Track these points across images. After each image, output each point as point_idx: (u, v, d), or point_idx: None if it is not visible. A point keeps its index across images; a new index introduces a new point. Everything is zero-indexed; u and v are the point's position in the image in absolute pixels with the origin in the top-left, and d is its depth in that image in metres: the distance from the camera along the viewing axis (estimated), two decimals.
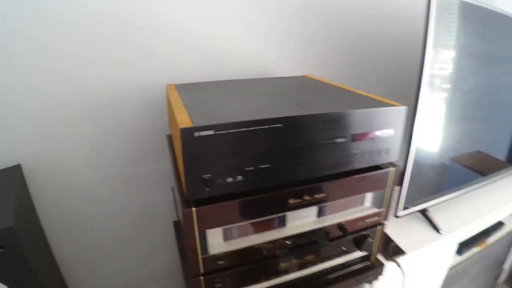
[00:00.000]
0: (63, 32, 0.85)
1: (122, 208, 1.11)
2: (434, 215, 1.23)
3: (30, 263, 0.75)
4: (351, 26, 1.25)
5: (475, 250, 1.49)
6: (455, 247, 1.28)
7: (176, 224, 1.14)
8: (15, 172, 0.90)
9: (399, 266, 1.03)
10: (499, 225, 1.59)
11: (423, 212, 1.22)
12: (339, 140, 0.66)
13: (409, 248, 1.09)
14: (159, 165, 1.10)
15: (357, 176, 0.72)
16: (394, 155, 0.74)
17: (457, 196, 1.31)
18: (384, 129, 0.70)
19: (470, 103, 1.23)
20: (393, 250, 1.06)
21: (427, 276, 1.26)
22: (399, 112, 0.71)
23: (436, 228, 1.18)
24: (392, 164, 0.77)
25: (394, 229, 1.17)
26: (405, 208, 1.11)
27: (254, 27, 1.08)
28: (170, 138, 0.92)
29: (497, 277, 1.92)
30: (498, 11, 1.18)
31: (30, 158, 0.93)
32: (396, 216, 1.10)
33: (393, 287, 1.08)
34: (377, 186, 0.77)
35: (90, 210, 1.07)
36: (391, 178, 0.77)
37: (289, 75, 1.14)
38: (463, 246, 1.39)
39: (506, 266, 1.91)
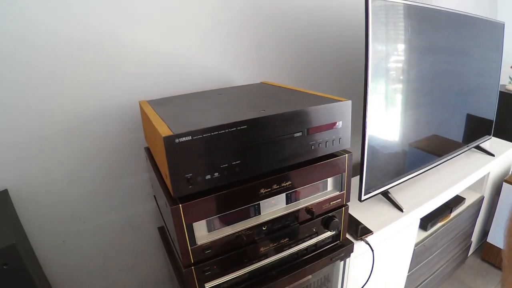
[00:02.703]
0: (41, 55, 0.95)
1: (106, 221, 1.21)
2: (396, 196, 1.41)
3: (35, 279, 0.82)
4: (300, 30, 1.41)
5: (439, 224, 1.67)
6: (418, 223, 1.46)
7: (162, 230, 1.26)
8: (4, 195, 0.98)
9: (368, 244, 1.18)
10: (459, 200, 1.78)
11: (385, 194, 1.39)
12: (296, 134, 0.81)
13: (375, 228, 1.25)
14: (138, 177, 1.20)
15: (315, 164, 0.87)
16: (345, 143, 0.91)
17: (415, 177, 1.50)
18: (334, 121, 0.86)
19: (421, 92, 1.43)
20: (361, 231, 1.22)
21: (396, 252, 1.43)
22: (345, 106, 0.87)
23: (398, 207, 1.36)
24: (345, 151, 0.93)
25: (360, 212, 1.33)
26: (368, 192, 1.28)
27: (212, 43, 1.22)
28: (148, 150, 1.05)
29: (467, 249, 2.11)
30: (432, 7, 1.37)
31: (13, 180, 1.01)
32: (361, 200, 1.26)
33: (364, 264, 1.23)
34: (335, 171, 0.92)
35: (73, 226, 1.15)
36: (346, 163, 0.93)
37: (249, 83, 1.28)
38: (427, 222, 1.58)
39: (473, 239, 2.11)
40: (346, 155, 0.92)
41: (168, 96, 1.09)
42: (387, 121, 1.32)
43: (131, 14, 1.05)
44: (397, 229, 1.31)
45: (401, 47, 1.28)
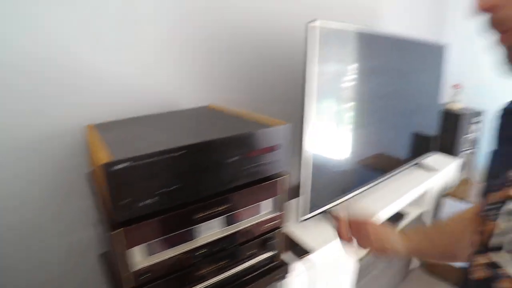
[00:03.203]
0: None
1: (47, 249, 1.15)
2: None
3: None
4: (249, 54, 1.44)
5: None
6: None
7: (104, 255, 1.24)
8: None
9: (306, 264, 1.22)
10: (401, 215, 1.86)
11: (326, 212, 1.43)
12: (234, 158, 0.83)
13: (318, 246, 1.29)
14: (82, 202, 1.16)
15: (253, 186, 0.90)
16: (283, 165, 0.94)
17: (359, 194, 1.55)
18: (272, 145, 0.89)
19: (364, 113, 1.49)
20: (300, 251, 1.25)
21: (340, 268, 1.47)
22: (284, 129, 0.90)
23: None
24: (283, 173, 0.95)
25: (304, 231, 1.37)
26: (310, 211, 1.31)
27: (162, 66, 1.22)
28: (91, 175, 1.03)
29: (409, 263, 2.20)
30: (374, 31, 1.44)
31: None
32: (301, 221, 1.30)
33: (306, 283, 1.26)
34: (272, 193, 0.95)
35: (13, 255, 1.10)
36: (283, 185, 0.96)
37: (197, 105, 1.29)
38: None
39: None
40: (283, 177, 0.95)
41: (116, 120, 1.09)
42: (330, 142, 1.37)
43: (78, 37, 1.04)
44: (339, 246, 1.35)
45: (343, 70, 1.34)
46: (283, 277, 1.10)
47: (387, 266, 1.88)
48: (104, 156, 0.68)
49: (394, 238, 0.93)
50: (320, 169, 1.32)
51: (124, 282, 0.77)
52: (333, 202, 1.42)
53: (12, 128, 0.99)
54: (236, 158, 0.83)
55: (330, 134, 1.36)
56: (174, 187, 0.76)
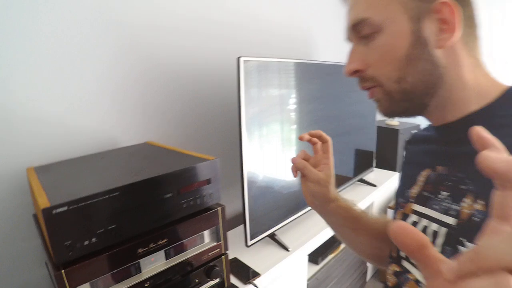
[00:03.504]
0: None
1: None
2: (284, 236, 1.54)
3: None
4: (183, 91, 1.51)
5: (330, 256, 1.83)
6: (306, 259, 1.59)
7: None
8: None
9: (256, 286, 1.28)
10: None
11: (272, 236, 1.52)
12: (167, 195, 0.90)
13: (265, 269, 1.36)
14: (30, 243, 1.18)
15: (189, 220, 0.97)
16: (217, 198, 1.01)
17: (302, 215, 1.64)
18: (203, 179, 0.97)
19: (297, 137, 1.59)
20: (250, 274, 1.32)
21: None
22: (213, 163, 0.98)
23: (284, 247, 1.48)
24: (218, 204, 1.03)
25: (250, 256, 1.43)
26: (254, 237, 1.39)
27: (99, 106, 1.28)
28: (36, 217, 1.06)
29: (364, 274, 2.30)
30: (305, 61, 1.56)
31: None
32: (247, 246, 1.37)
33: None
34: (209, 224, 1.02)
35: None
36: (219, 215, 1.03)
37: (135, 143, 1.35)
38: (317, 256, 1.73)
39: (369, 264, 2.31)
40: (219, 208, 1.02)
41: (55, 162, 1.12)
42: (269, 169, 1.46)
43: (13, 79, 1.08)
44: (285, 267, 1.43)
45: (277, 98, 1.44)
46: None
47: (340, 280, 1.97)
48: (42, 201, 0.73)
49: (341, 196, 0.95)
50: (261, 196, 1.41)
51: None
52: (276, 225, 1.50)
53: None
54: (170, 194, 0.90)
55: (268, 160, 1.45)
56: (111, 227, 0.82)
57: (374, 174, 2.38)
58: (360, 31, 0.67)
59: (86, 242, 0.78)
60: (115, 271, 0.86)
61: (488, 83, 0.67)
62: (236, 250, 1.45)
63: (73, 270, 0.78)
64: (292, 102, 1.55)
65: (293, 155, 1.61)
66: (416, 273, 0.73)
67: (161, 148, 1.21)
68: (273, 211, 1.52)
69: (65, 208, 0.73)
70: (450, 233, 0.64)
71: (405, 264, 0.78)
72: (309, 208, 1.72)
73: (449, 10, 0.59)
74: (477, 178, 0.63)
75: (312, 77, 1.69)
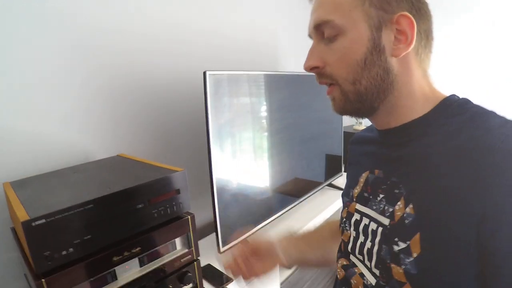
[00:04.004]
0: None
1: None
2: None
3: None
4: (152, 105, 1.58)
5: None
6: None
7: None
8: None
9: None
10: None
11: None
12: (139, 206, 0.96)
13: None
14: (8, 255, 1.21)
15: (160, 228, 1.03)
16: (186, 207, 1.09)
17: (275, 220, 1.72)
18: (171, 190, 1.04)
19: (270, 145, 1.68)
20: (223, 280, 1.39)
21: None
22: (181, 174, 1.06)
23: None
24: (187, 213, 1.10)
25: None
26: (226, 244, 1.46)
27: (71, 121, 1.32)
28: (14, 230, 1.10)
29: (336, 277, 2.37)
30: (270, 73, 1.64)
31: None
32: (220, 252, 1.43)
33: None
34: (180, 232, 1.09)
35: None
36: (190, 223, 1.10)
37: (107, 155, 1.41)
38: None
39: None
40: (189, 216, 1.09)
41: (30, 176, 1.16)
42: (237, 177, 1.53)
43: None
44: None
45: (243, 108, 1.52)
46: None
47: (314, 282, 2.05)
48: (21, 214, 0.79)
49: (286, 250, 1.03)
50: (232, 203, 1.48)
51: None
52: (248, 232, 1.57)
53: None
54: (142, 205, 0.97)
55: (237, 169, 1.53)
56: (86, 237, 0.88)
57: (343, 179, 2.47)
58: (322, 31, 0.71)
59: (64, 252, 0.84)
60: (92, 279, 0.92)
61: (431, 93, 0.73)
62: (210, 257, 1.51)
63: (53, 279, 0.83)
64: (258, 111, 1.64)
65: (263, 163, 1.70)
66: (361, 267, 0.80)
67: (132, 160, 1.28)
68: (245, 217, 1.59)
69: (43, 221, 0.79)
70: (385, 232, 0.72)
71: (353, 258, 0.85)
72: (280, 213, 1.80)
73: (407, 22, 0.65)
74: (408, 183, 0.70)
75: (277, 87, 1.77)
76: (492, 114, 0.65)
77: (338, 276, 0.90)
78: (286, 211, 1.84)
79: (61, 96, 1.29)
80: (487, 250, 0.56)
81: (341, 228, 0.94)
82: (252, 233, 1.60)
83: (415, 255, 0.64)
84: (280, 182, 1.84)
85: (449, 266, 0.60)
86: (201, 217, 1.79)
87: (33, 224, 0.78)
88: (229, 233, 1.47)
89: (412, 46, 0.66)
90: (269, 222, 1.72)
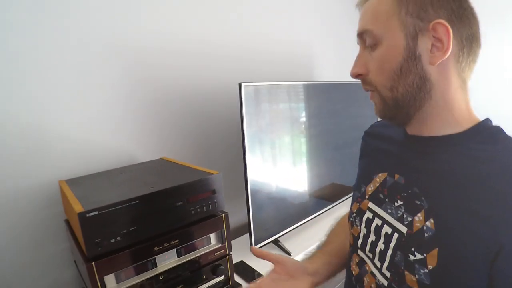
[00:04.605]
0: None
1: None
2: (289, 242, 1.72)
3: None
4: (194, 112, 1.72)
5: None
6: None
7: None
8: None
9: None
10: None
11: (276, 242, 1.70)
12: (179, 203, 1.11)
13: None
14: (58, 246, 1.35)
15: (197, 224, 1.17)
16: (221, 205, 1.22)
17: (303, 224, 1.83)
18: (208, 191, 1.18)
19: (305, 151, 1.80)
20: (255, 276, 1.51)
21: None
22: (217, 177, 1.19)
23: (287, 252, 1.67)
24: (222, 212, 1.24)
25: (255, 260, 1.60)
26: (258, 243, 1.58)
27: (120, 128, 1.47)
28: (67, 222, 1.25)
29: None
30: (304, 83, 1.76)
31: None
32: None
33: None
34: (215, 228, 1.22)
35: None
36: (223, 220, 1.23)
37: (150, 159, 1.55)
38: None
39: None
40: (223, 215, 1.23)
41: (82, 175, 1.32)
42: (271, 180, 1.67)
43: (46, 105, 1.26)
44: None
45: (277, 117, 1.66)
46: None
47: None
48: (77, 207, 0.94)
49: (313, 267, 1.01)
50: (265, 205, 1.61)
51: None
52: (280, 232, 1.69)
53: None
54: (181, 203, 1.11)
55: (271, 172, 1.67)
56: (132, 228, 1.02)
57: None
58: (365, 39, 0.74)
59: (112, 240, 0.99)
60: (135, 264, 1.06)
61: (467, 112, 0.72)
62: (244, 255, 1.63)
63: (102, 263, 0.98)
64: (291, 119, 1.76)
65: (296, 168, 1.80)
66: (370, 265, 0.83)
67: (173, 163, 1.42)
68: (277, 219, 1.71)
69: (96, 213, 0.94)
70: (401, 240, 0.72)
71: (361, 254, 0.88)
72: (312, 216, 1.91)
73: (444, 30, 0.64)
74: (430, 196, 0.70)
75: (310, 96, 1.89)
76: None
77: (353, 272, 0.91)
78: (320, 214, 1.95)
79: (110, 106, 1.44)
80: (495, 283, 0.58)
81: (350, 221, 0.96)
82: (284, 234, 1.71)
83: (430, 267, 0.64)
84: (317, 187, 1.96)
85: (462, 284, 0.61)
86: (237, 218, 1.90)
87: (87, 215, 0.92)
88: (262, 232, 1.60)
89: (449, 53, 0.66)
90: (300, 225, 1.83)
